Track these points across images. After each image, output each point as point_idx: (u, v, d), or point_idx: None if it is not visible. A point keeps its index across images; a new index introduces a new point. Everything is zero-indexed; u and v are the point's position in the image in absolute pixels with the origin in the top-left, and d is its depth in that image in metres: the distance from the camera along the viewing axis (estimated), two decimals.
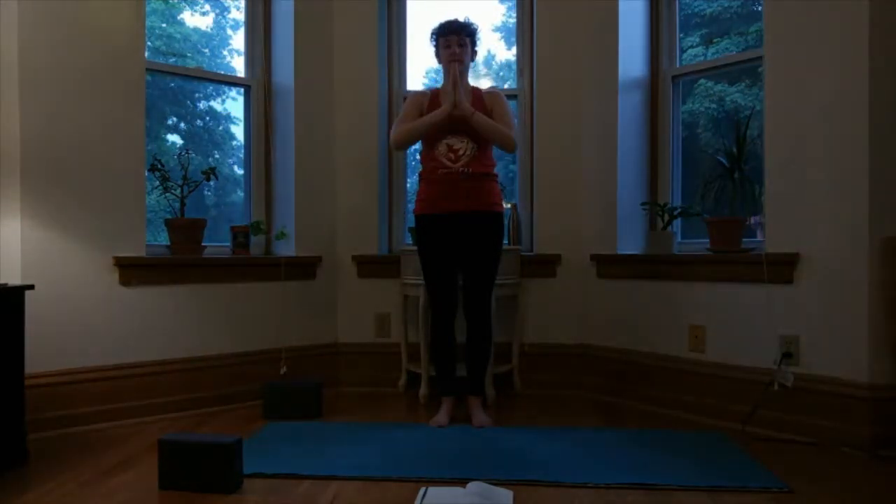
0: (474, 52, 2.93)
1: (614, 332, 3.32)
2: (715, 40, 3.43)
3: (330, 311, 3.57)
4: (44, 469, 2.23)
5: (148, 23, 3.05)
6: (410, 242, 3.53)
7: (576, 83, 3.46)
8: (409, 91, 3.67)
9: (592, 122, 3.43)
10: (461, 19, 2.90)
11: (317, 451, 2.40)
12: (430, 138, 2.84)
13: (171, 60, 3.48)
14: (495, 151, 2.93)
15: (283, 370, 3.30)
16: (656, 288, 3.14)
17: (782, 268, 2.66)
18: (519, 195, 3.64)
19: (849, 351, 2.48)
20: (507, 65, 3.91)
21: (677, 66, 3.40)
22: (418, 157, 3.03)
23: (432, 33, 2.92)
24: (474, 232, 2.81)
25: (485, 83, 3.96)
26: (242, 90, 3.56)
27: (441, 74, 2.95)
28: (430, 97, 2.90)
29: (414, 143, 2.89)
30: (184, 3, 3.65)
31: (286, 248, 3.43)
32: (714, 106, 3.42)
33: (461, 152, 2.79)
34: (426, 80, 3.95)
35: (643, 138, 3.42)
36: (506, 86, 3.87)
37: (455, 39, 2.83)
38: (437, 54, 2.92)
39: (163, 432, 2.64)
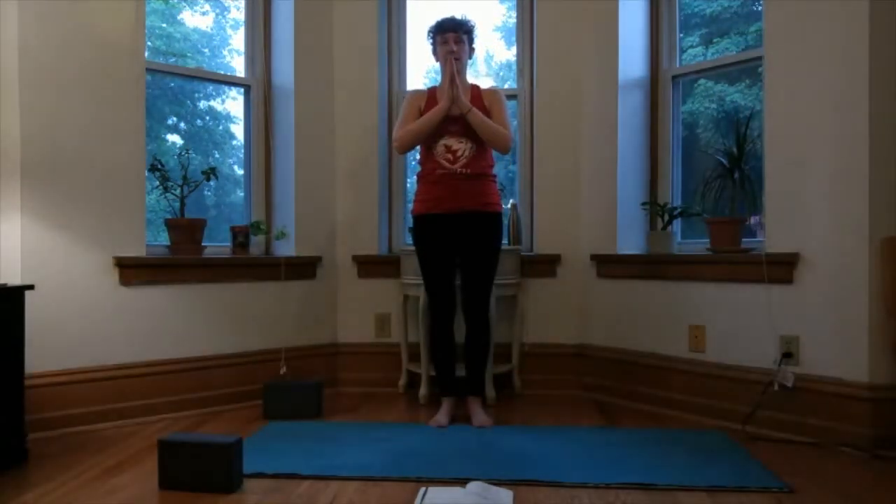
0: (472, 50, 2.94)
1: (614, 332, 3.32)
2: (715, 40, 3.43)
3: (330, 311, 3.57)
4: (44, 469, 2.23)
5: (148, 23, 3.05)
6: (410, 242, 3.53)
7: (576, 83, 3.46)
8: (409, 91, 3.67)
9: (592, 122, 3.43)
10: (458, 18, 2.90)
11: (317, 451, 2.40)
12: (429, 139, 2.84)
13: (171, 60, 3.48)
14: (495, 152, 2.93)
15: (283, 370, 3.30)
16: (656, 288, 3.14)
17: (782, 268, 2.66)
18: (519, 195, 3.64)
19: (849, 351, 2.48)
20: (507, 65, 3.91)
21: (677, 66, 3.41)
22: (418, 157, 3.03)
23: (429, 31, 2.93)
24: (472, 232, 2.81)
25: (485, 83, 3.95)
26: (242, 90, 3.56)
27: (440, 73, 2.95)
28: (428, 97, 2.90)
29: (417, 144, 2.89)
30: (184, 3, 3.64)
31: (286, 248, 3.43)
32: (714, 106, 3.41)
33: (459, 153, 2.79)
34: (426, 81, 3.95)
35: (643, 138, 3.42)
36: (506, 86, 3.86)
37: (452, 37, 2.84)
38: (435, 52, 2.93)
39: (163, 432, 2.64)
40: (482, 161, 2.83)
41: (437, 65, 2.96)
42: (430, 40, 2.94)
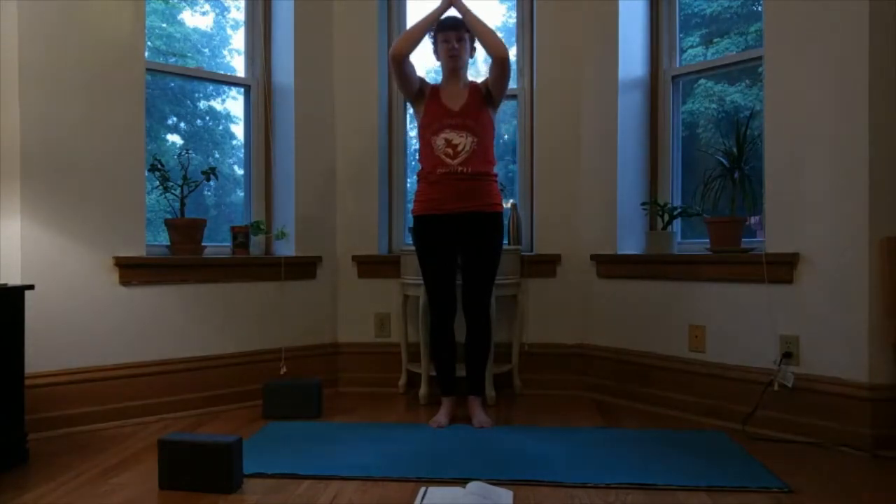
0: (473, 49, 2.93)
1: (614, 332, 3.32)
2: (715, 40, 3.42)
3: (330, 311, 3.57)
4: (44, 469, 2.23)
5: (148, 23, 3.05)
6: (410, 242, 3.53)
7: (576, 83, 3.46)
8: None
9: (592, 122, 3.43)
10: (459, 16, 2.89)
11: (317, 451, 2.40)
12: (429, 132, 2.83)
13: (171, 60, 3.48)
14: (494, 151, 2.93)
15: (283, 370, 3.31)
16: (656, 288, 3.14)
17: (782, 268, 2.66)
18: (519, 195, 3.64)
19: (849, 351, 2.48)
20: None
21: (677, 66, 3.41)
22: (418, 157, 3.02)
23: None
24: (473, 232, 2.80)
25: None
26: (242, 90, 3.56)
27: (440, 74, 2.95)
28: (431, 87, 2.90)
29: (414, 45, 2.77)
30: (184, 3, 3.64)
31: (286, 248, 3.43)
32: (714, 106, 3.41)
33: (460, 147, 2.78)
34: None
35: (643, 138, 3.42)
36: None
37: (453, 35, 2.83)
38: (436, 51, 2.92)
39: (163, 432, 2.64)
40: (483, 159, 2.81)
41: (438, 65, 2.96)
42: (431, 39, 2.93)
